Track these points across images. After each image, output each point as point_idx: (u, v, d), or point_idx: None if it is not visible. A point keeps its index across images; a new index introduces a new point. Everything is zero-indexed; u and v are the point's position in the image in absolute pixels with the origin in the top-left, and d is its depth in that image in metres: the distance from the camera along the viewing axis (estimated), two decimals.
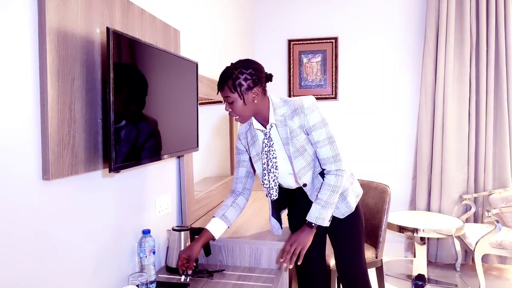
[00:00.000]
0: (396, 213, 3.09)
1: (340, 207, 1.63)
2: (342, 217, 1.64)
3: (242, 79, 1.42)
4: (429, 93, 3.23)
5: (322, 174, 1.59)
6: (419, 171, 3.28)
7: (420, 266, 2.86)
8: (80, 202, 1.16)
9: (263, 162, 1.56)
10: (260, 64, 1.50)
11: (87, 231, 1.20)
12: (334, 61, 3.51)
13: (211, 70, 2.36)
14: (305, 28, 3.57)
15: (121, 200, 1.38)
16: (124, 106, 1.18)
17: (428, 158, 3.26)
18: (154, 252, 1.43)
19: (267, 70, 1.53)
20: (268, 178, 1.55)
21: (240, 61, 1.46)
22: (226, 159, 2.70)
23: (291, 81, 3.59)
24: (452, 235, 2.69)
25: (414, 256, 2.94)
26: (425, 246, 2.84)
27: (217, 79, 1.47)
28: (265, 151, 1.55)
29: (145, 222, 1.55)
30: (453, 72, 3.15)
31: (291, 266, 1.45)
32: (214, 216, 1.59)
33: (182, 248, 1.60)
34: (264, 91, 1.50)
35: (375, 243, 2.33)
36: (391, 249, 3.45)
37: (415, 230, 2.69)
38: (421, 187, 3.27)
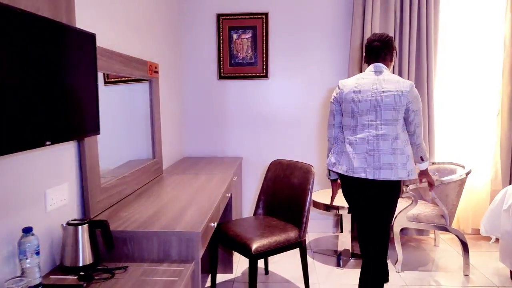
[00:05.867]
0: (323, 191, 3.14)
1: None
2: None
3: None
4: (356, 72, 3.26)
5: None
6: None
7: (345, 241, 2.95)
8: None
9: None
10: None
11: None
12: (265, 38, 3.40)
13: (126, 46, 2.12)
14: (235, 2, 3.40)
15: None
16: None
17: None
18: (37, 253, 1.25)
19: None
20: None
21: None
22: (148, 141, 2.51)
23: (221, 58, 3.43)
24: None
25: (341, 232, 3.02)
26: (349, 223, 2.92)
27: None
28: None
29: (29, 219, 1.35)
30: None
31: None
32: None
33: (80, 244, 1.43)
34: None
35: (299, 223, 2.32)
36: (319, 226, 3.54)
37: (339, 208, 2.74)
38: None
